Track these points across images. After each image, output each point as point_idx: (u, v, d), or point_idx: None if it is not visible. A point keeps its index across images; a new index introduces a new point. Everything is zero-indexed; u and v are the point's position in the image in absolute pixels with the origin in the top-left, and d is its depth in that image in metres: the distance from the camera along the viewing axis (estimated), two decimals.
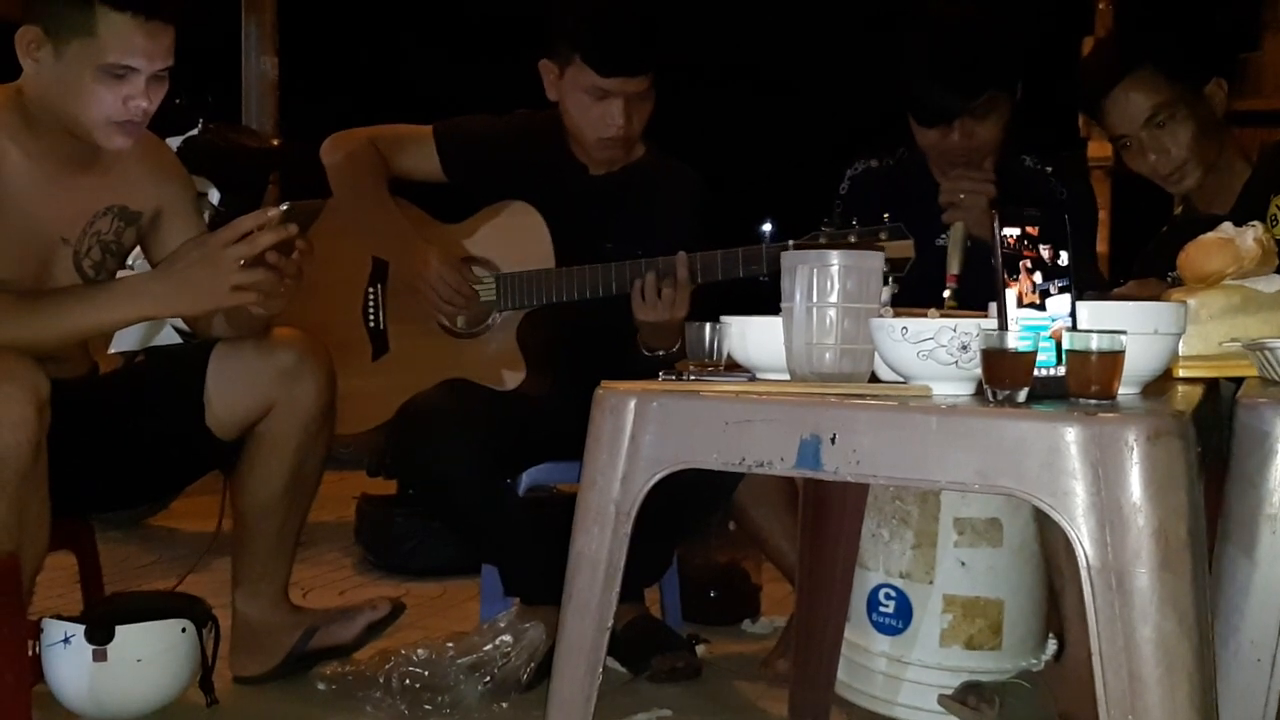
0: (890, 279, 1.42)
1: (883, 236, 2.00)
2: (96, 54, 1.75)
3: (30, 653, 1.80)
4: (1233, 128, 2.17)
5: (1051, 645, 1.81)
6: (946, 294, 1.98)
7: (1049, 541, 1.70)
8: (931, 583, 1.75)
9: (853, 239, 2.01)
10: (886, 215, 2.01)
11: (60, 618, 1.87)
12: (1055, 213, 1.27)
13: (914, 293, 1.71)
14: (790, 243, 2.05)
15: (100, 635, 1.84)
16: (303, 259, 1.81)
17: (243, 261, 1.76)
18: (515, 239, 2.26)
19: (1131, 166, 2.13)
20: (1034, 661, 1.78)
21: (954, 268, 2.05)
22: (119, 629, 1.85)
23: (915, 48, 2.17)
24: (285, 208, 1.79)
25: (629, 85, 2.16)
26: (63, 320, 1.79)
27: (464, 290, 2.20)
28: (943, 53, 2.13)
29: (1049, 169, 2.27)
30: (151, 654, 1.87)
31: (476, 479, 2.09)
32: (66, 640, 1.84)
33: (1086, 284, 1.92)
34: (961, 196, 2.11)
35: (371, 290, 2.33)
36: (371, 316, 2.33)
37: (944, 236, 2.19)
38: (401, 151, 2.32)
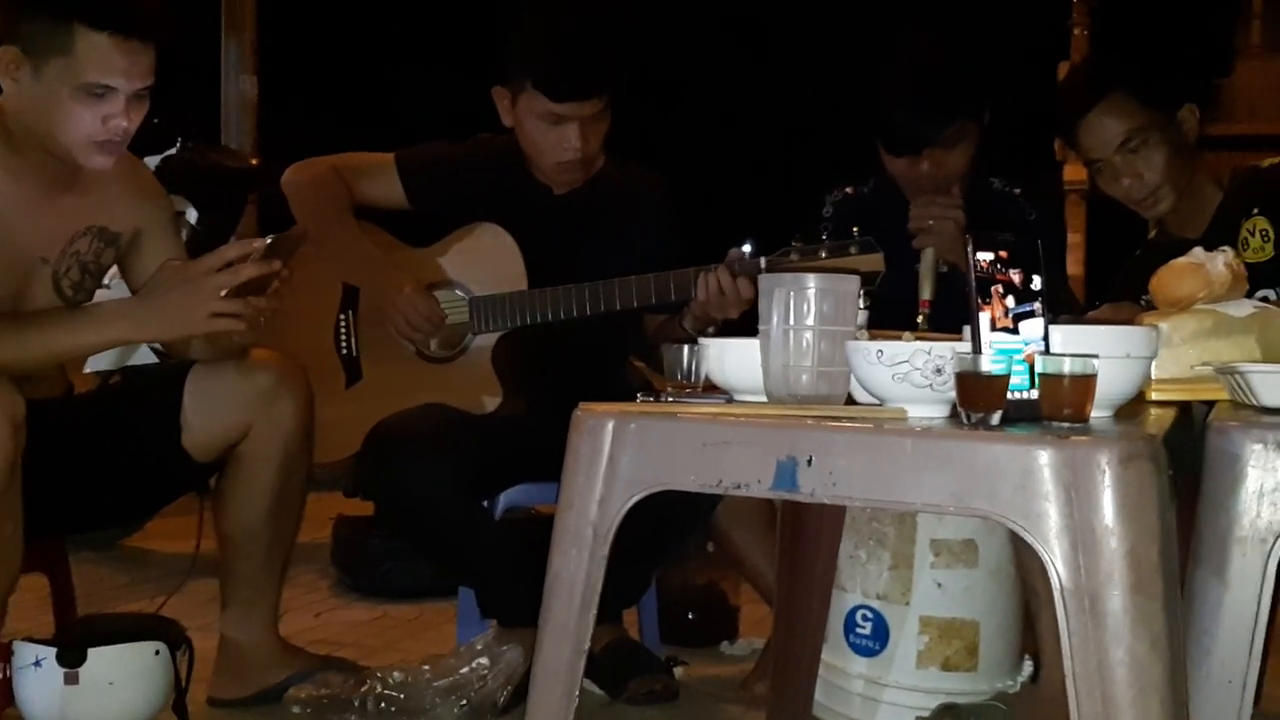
0: (863, 292, 1.43)
1: (853, 250, 2.01)
2: (75, 73, 1.74)
3: (1, 675, 1.78)
4: (1205, 152, 2.19)
5: (1027, 667, 1.81)
6: (920, 319, 2.00)
7: (1025, 563, 1.71)
8: (908, 604, 1.76)
9: (823, 254, 2.02)
10: (856, 229, 2.02)
11: (32, 640, 1.85)
12: (1027, 238, 1.29)
13: (892, 316, 1.72)
14: (762, 260, 2.06)
15: (72, 658, 1.82)
16: (282, 288, 1.81)
17: (224, 291, 1.76)
18: (486, 261, 2.26)
19: (1105, 190, 2.15)
20: (1010, 683, 1.78)
21: (926, 293, 2.08)
22: (91, 651, 1.83)
23: (885, 79, 2.20)
24: (269, 241, 1.78)
25: (583, 109, 2.17)
26: (43, 342, 1.79)
27: (432, 317, 2.20)
28: (911, 85, 2.16)
29: (1017, 191, 2.31)
30: (124, 677, 1.85)
31: (452, 500, 2.08)
32: (38, 663, 1.82)
33: (1059, 305, 1.94)
34: (930, 223, 2.13)
35: (343, 317, 2.32)
36: (344, 344, 2.32)
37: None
38: (364, 179, 2.31)
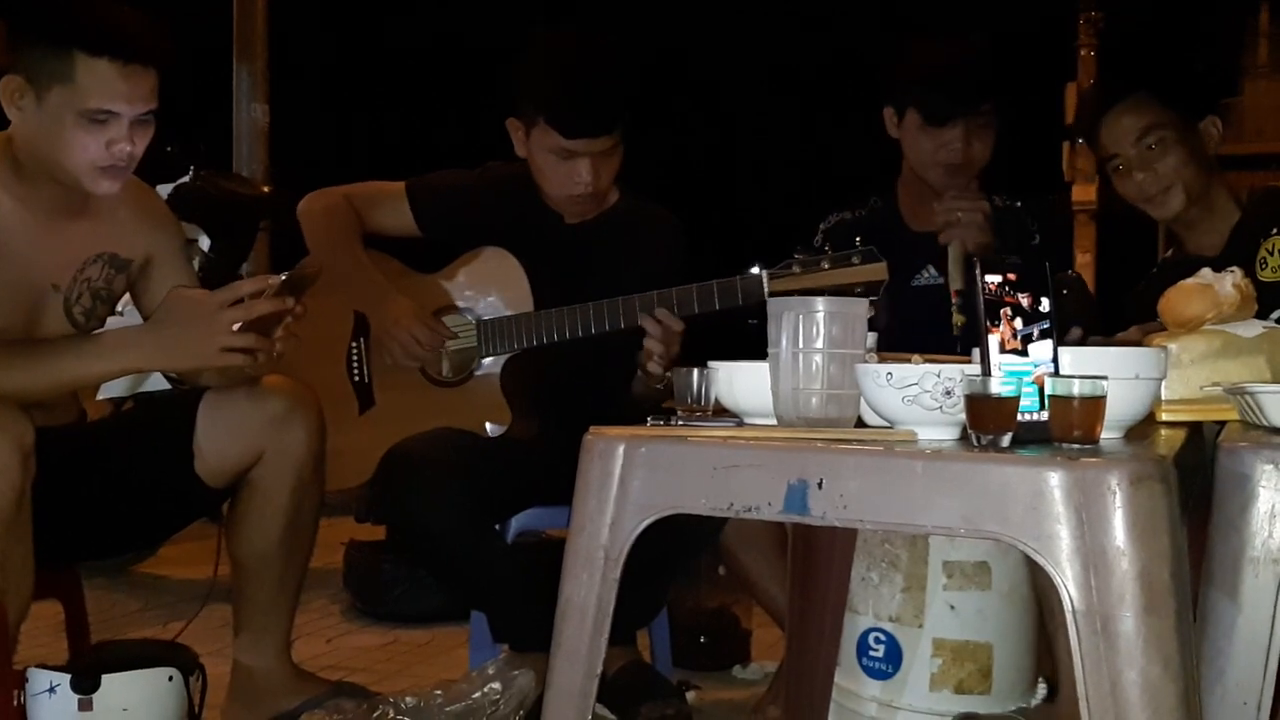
0: (869, 303, 1.44)
1: (855, 261, 2.02)
2: (77, 100, 1.75)
3: (15, 702, 1.79)
4: (1224, 171, 2.21)
5: (1041, 689, 1.80)
6: (954, 308, 2.05)
7: (1041, 585, 1.71)
8: (921, 626, 1.75)
9: (826, 265, 2.03)
10: (858, 239, 2.04)
11: (46, 667, 1.85)
12: (1035, 260, 1.29)
13: (896, 335, 1.73)
14: (764, 272, 2.06)
15: (86, 684, 1.82)
16: (294, 325, 1.82)
17: (236, 325, 1.77)
18: (493, 284, 2.27)
19: (1120, 190, 2.17)
20: (1024, 706, 1.77)
21: (957, 283, 2.13)
22: (105, 678, 1.83)
23: (924, 52, 2.30)
24: (284, 278, 1.79)
25: (595, 145, 2.18)
26: (54, 371, 1.79)
27: (435, 345, 2.22)
28: (953, 55, 2.27)
29: (1019, 204, 2.35)
30: (138, 703, 1.85)
31: (464, 526, 2.08)
32: (52, 690, 1.82)
33: (1094, 323, 1.98)
34: (959, 215, 2.17)
35: (354, 345, 2.34)
36: (356, 371, 2.34)
37: (920, 276, 2.26)
38: (376, 208, 2.34)
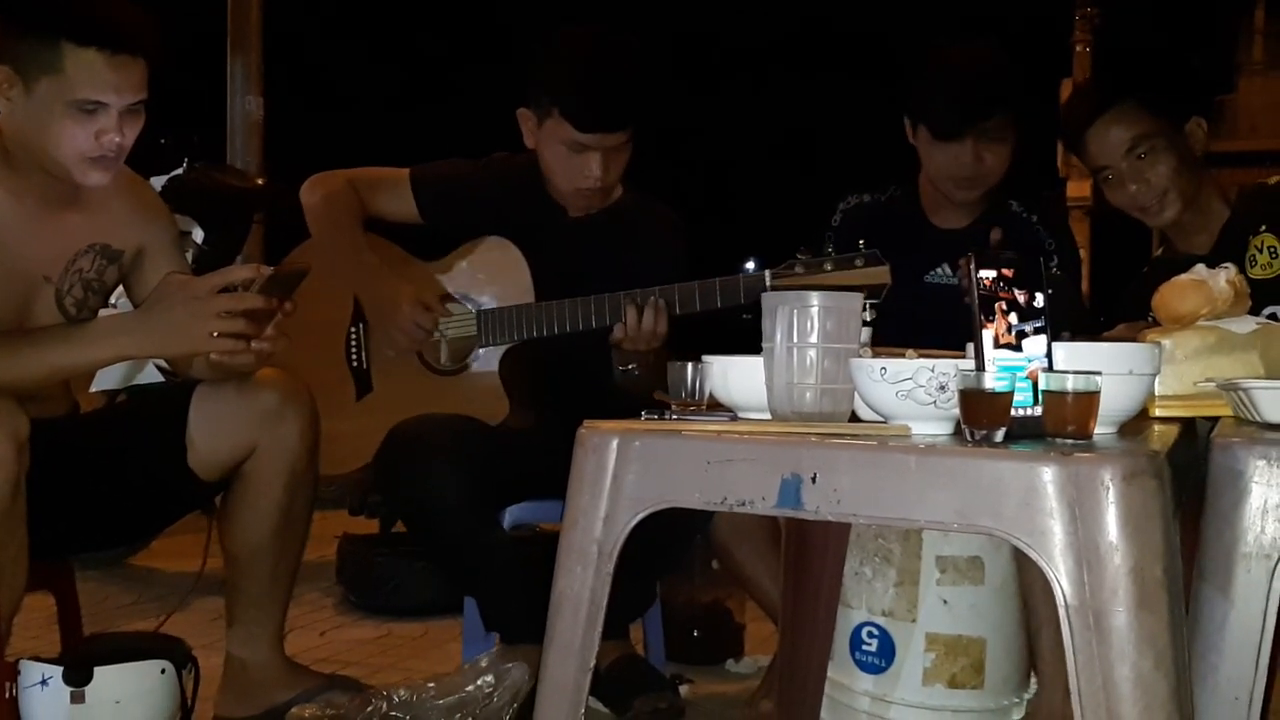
0: (867, 305, 1.43)
1: (858, 263, 2.01)
2: (66, 90, 1.74)
3: (7, 695, 1.79)
4: (1212, 170, 2.21)
5: (1034, 684, 1.81)
6: None
7: (1025, 580, 1.71)
8: (914, 621, 1.75)
9: (828, 266, 2.03)
10: (862, 242, 2.03)
11: (38, 659, 1.85)
12: (1030, 256, 1.29)
13: (903, 330, 1.73)
14: (766, 272, 2.07)
15: (78, 677, 1.82)
16: (285, 322, 1.81)
17: (226, 311, 1.76)
18: (494, 274, 2.27)
19: (1112, 200, 2.16)
20: (1016, 700, 1.78)
21: None
22: (97, 670, 1.83)
23: (934, 65, 2.28)
24: (272, 272, 1.78)
25: (607, 140, 2.18)
26: (42, 359, 1.78)
27: (433, 326, 2.22)
28: (961, 67, 2.25)
29: (1034, 218, 2.33)
30: (130, 695, 1.85)
31: (464, 507, 2.08)
32: (44, 682, 1.82)
33: (1081, 325, 1.97)
34: None
35: (353, 330, 2.34)
36: (354, 356, 2.34)
37: (934, 273, 2.24)
38: (378, 193, 2.34)
